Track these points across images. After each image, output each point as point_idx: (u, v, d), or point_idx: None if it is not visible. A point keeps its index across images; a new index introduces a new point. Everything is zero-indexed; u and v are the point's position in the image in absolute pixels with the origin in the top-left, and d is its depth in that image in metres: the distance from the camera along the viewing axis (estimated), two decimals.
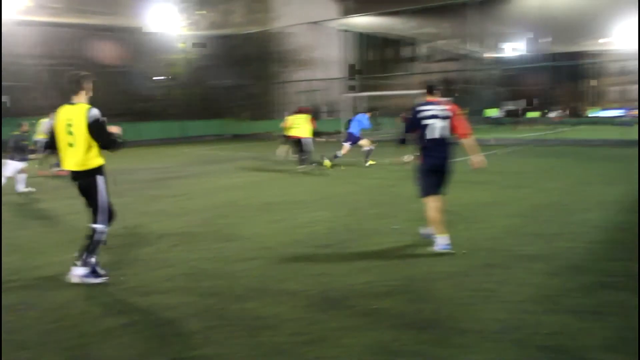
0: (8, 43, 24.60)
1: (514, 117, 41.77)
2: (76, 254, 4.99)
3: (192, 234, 6.98)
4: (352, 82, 34.06)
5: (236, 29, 35.12)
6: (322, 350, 3.54)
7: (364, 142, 14.90)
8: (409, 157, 6.78)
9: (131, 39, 31.95)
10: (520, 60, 47.99)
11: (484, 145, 19.61)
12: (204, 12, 33.92)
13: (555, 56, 42.24)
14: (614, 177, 11.67)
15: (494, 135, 26.91)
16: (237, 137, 32.42)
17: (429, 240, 6.06)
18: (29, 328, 3.99)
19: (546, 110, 35.36)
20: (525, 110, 39.94)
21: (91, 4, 31.36)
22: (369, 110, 16.41)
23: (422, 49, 63.96)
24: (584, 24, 32.33)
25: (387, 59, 56.39)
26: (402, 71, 40.94)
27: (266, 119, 36.76)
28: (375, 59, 38.37)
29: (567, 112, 33.06)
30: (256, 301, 4.43)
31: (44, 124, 14.97)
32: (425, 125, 5.87)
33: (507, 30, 36.02)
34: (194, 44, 32.79)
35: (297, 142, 14.65)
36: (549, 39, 23.93)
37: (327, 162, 14.52)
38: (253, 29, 36.00)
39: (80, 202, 5.19)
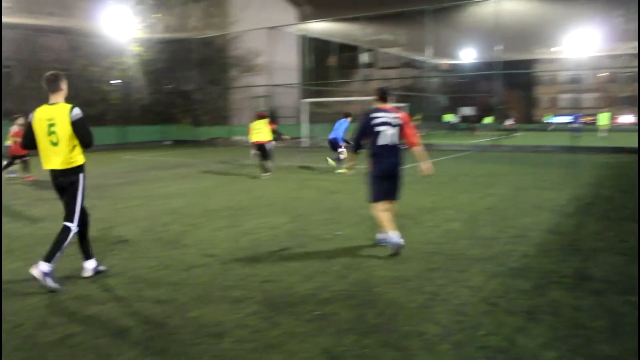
0: None
1: (470, 123, 42.79)
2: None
3: (133, 242, 6.87)
4: (309, 88, 34.17)
5: (192, 33, 34.73)
6: (267, 357, 3.55)
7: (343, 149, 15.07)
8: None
9: (80, 41, 31.19)
10: (474, 67, 49.31)
11: (438, 151, 20.24)
12: (159, 15, 33.41)
13: (508, 64, 43.57)
14: (552, 182, 12.11)
15: (449, 141, 27.56)
16: (180, 143, 31.97)
17: (376, 245, 6.31)
18: None
19: (496, 117, 36.35)
20: (480, 117, 40.98)
21: (42, 4, 30.52)
22: (345, 115, 16.57)
23: (379, 56, 64.81)
24: (537, 33, 33.50)
25: (344, 65, 56.88)
26: (359, 77, 41.32)
27: (219, 124, 36.49)
28: (333, 65, 38.62)
29: (514, 120, 34.06)
30: (200, 309, 4.40)
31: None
32: (377, 132, 6.00)
33: (462, 37, 36.87)
34: (148, 48, 32.18)
35: (260, 147, 14.53)
36: (502, 47, 24.65)
37: (331, 162, 15.58)
38: (210, 33, 35.69)
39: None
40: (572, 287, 4.84)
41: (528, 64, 54.88)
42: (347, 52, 54.31)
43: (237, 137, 33.45)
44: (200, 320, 4.18)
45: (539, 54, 49.36)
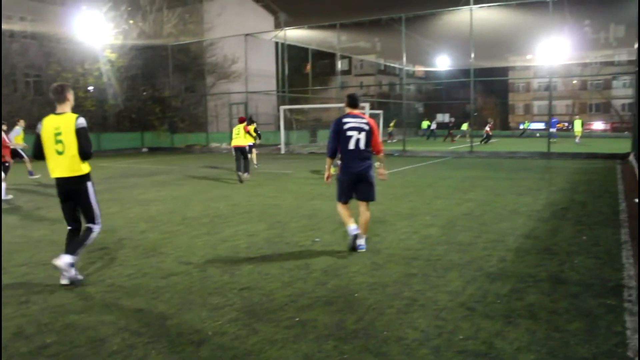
0: None
1: (446, 130, 43.25)
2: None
3: (111, 250, 6.79)
4: (286, 95, 34.19)
5: (167, 39, 34.53)
6: None
7: None
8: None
9: (53, 47, 30.80)
10: (450, 74, 49.95)
11: (415, 157, 20.42)
12: (133, 21, 33.15)
13: (483, 71, 44.19)
14: (528, 188, 12.29)
15: (426, 148, 27.80)
16: (157, 150, 31.72)
17: (355, 251, 6.40)
18: None
19: (470, 123, 36.91)
20: (456, 124, 41.48)
21: (14, 9, 30.06)
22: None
23: (355, 63, 65.18)
24: (511, 41, 34.03)
25: (321, 72, 57.08)
26: (336, 84, 41.49)
27: (196, 131, 36.27)
28: (310, 72, 38.77)
29: (492, 125, 34.54)
30: (179, 317, 4.36)
31: (15, 131, 15.82)
32: (348, 137, 6.23)
33: (437, 45, 37.28)
34: (122, 54, 31.88)
35: (240, 151, 14.85)
36: (477, 55, 25.04)
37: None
38: (185, 40, 35.52)
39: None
40: (549, 290, 4.91)
41: (502, 71, 55.83)
42: (324, 59, 54.56)
43: (214, 144, 33.31)
44: (179, 328, 4.14)
45: (512, 61, 50.23)
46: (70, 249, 5.23)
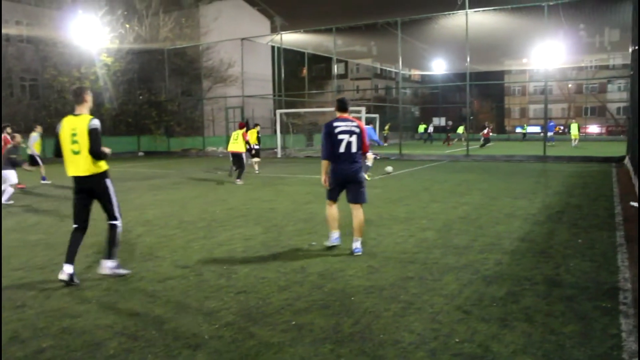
0: None
1: (444, 133, 43.34)
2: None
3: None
4: (283, 98, 34.20)
5: (163, 43, 34.53)
6: None
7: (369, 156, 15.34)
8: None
9: (49, 51, 30.75)
10: (446, 78, 50.07)
11: (412, 161, 20.45)
12: (128, 25, 33.14)
13: (479, 75, 44.34)
14: (523, 191, 12.33)
15: (423, 151, 27.84)
16: (153, 154, 31.68)
17: (351, 255, 6.43)
18: None
19: (466, 127, 37.06)
20: (453, 127, 41.58)
21: (10, 13, 30.01)
22: (367, 122, 17.49)
23: (351, 67, 65.27)
24: (506, 45, 34.15)
25: (317, 76, 57.14)
26: (332, 88, 41.56)
27: (192, 135, 36.25)
28: (305, 76, 38.84)
29: (490, 129, 34.66)
30: (175, 321, 4.36)
31: (31, 138, 16.16)
32: (339, 140, 6.41)
33: (433, 49, 37.37)
34: (118, 58, 31.87)
35: (236, 156, 15.26)
36: (473, 59, 25.14)
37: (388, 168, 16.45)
38: (181, 44, 35.52)
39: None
40: (544, 293, 4.92)
41: (498, 75, 56.03)
42: (320, 63, 54.60)
43: (211, 148, 33.29)
44: (175, 331, 4.14)
45: (508, 65, 50.42)
46: (108, 253, 5.59)
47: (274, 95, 39.70)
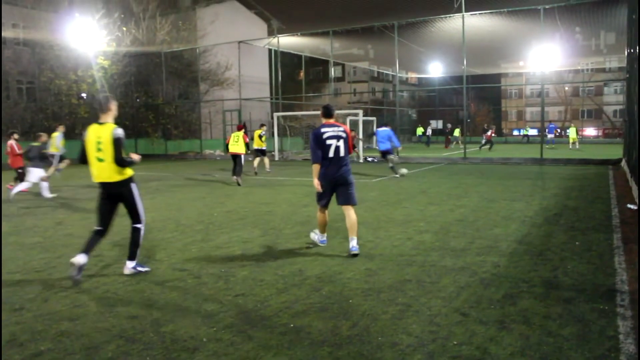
0: None
1: (443, 136, 43.37)
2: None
3: (105, 256, 6.78)
4: (280, 101, 34.22)
5: (161, 46, 34.50)
6: None
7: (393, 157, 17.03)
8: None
9: (46, 54, 30.71)
10: (443, 81, 50.16)
11: (409, 163, 20.44)
12: (125, 28, 33.11)
13: (476, 78, 44.41)
14: (521, 194, 12.34)
15: (420, 154, 27.86)
16: (151, 157, 31.55)
17: (349, 257, 6.45)
18: None
19: (462, 130, 37.19)
20: (453, 130, 41.64)
21: (7, 16, 29.96)
22: (385, 124, 18.23)
23: (348, 70, 65.31)
24: (502, 48, 34.24)
25: (314, 79, 57.23)
26: (329, 91, 41.65)
27: (189, 138, 36.22)
28: (302, 79, 38.87)
29: (492, 132, 34.70)
30: (174, 324, 4.36)
31: (56, 138, 16.94)
32: (328, 145, 6.61)
33: (430, 52, 37.43)
34: (115, 61, 31.83)
35: (236, 157, 15.57)
36: (469, 61, 25.23)
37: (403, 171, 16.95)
38: (178, 47, 35.50)
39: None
40: (542, 295, 4.93)
41: (495, 78, 56.19)
42: (317, 66, 54.67)
43: (208, 151, 33.28)
44: (173, 334, 4.13)
45: (505, 68, 50.55)
46: (131, 254, 5.83)
47: (271, 98, 39.70)
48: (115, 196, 5.77)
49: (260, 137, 19.00)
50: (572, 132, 34.57)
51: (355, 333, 4.10)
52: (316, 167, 6.72)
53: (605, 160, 21.49)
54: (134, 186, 5.83)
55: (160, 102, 35.11)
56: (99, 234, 5.82)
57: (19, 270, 6.19)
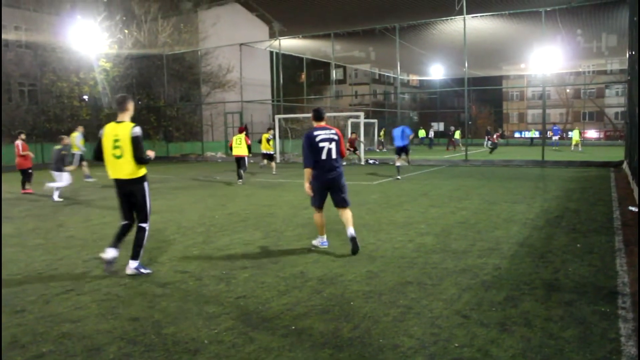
0: None
1: (446, 138, 43.33)
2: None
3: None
4: (281, 104, 34.25)
5: (162, 49, 34.55)
6: None
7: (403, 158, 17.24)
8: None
9: (48, 56, 30.73)
10: (444, 83, 50.14)
11: (410, 166, 20.42)
12: (127, 31, 33.16)
13: (477, 80, 44.34)
14: (522, 196, 12.34)
15: (422, 156, 27.85)
16: (154, 160, 31.52)
17: (351, 260, 6.43)
18: None
19: (462, 132, 37.22)
20: (454, 132, 41.62)
21: (9, 19, 30.02)
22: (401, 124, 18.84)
23: (350, 72, 65.28)
24: (504, 50, 34.25)
25: (315, 81, 57.24)
26: (330, 93, 41.65)
27: (191, 140, 36.22)
28: (303, 81, 38.90)
29: (498, 134, 34.69)
30: (175, 326, 4.36)
31: (75, 138, 17.47)
32: (320, 148, 6.72)
33: (431, 54, 37.44)
34: (117, 64, 31.86)
35: (239, 159, 15.92)
36: (471, 64, 25.25)
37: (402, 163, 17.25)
38: (180, 49, 35.54)
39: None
40: (543, 298, 4.93)
41: (496, 80, 56.15)
42: (319, 68, 54.70)
43: (209, 153, 33.29)
44: (175, 336, 4.14)
45: (506, 70, 50.54)
46: (134, 254, 5.88)
47: (273, 101, 39.72)
48: (127, 193, 5.92)
49: (268, 140, 19.03)
50: (575, 134, 34.61)
51: (356, 335, 4.11)
52: (308, 172, 6.83)
53: (607, 163, 21.47)
54: (146, 185, 5.98)
55: (161, 104, 35.14)
56: (125, 227, 6.03)
57: (21, 272, 6.20)
